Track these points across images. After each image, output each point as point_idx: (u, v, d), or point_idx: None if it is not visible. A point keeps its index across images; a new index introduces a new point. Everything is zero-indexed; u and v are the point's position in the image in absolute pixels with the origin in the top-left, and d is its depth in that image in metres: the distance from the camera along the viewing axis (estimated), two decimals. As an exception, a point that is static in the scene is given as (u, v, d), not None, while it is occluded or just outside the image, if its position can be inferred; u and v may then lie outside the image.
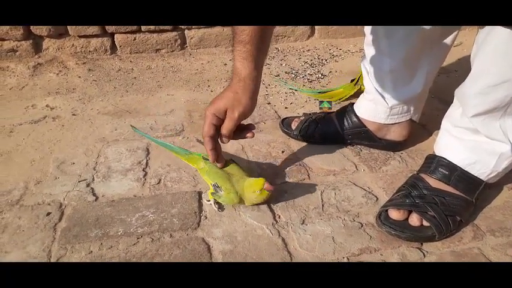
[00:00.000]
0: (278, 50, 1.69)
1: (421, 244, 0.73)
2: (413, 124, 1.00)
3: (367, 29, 0.95)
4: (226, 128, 0.76)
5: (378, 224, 0.76)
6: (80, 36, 1.58)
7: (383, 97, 0.95)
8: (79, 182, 0.89)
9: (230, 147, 0.99)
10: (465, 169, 0.77)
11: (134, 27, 1.60)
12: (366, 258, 0.70)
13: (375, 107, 0.97)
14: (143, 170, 0.93)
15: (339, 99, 1.26)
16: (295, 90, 1.34)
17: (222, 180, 0.79)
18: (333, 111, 1.06)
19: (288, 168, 0.94)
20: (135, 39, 1.62)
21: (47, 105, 1.24)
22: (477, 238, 0.74)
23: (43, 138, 1.07)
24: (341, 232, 0.75)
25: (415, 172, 0.84)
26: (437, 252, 0.72)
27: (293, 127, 1.04)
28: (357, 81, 1.23)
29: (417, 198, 0.76)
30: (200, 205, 0.82)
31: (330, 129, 1.01)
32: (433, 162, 0.80)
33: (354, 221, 0.78)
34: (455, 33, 0.88)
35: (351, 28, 1.77)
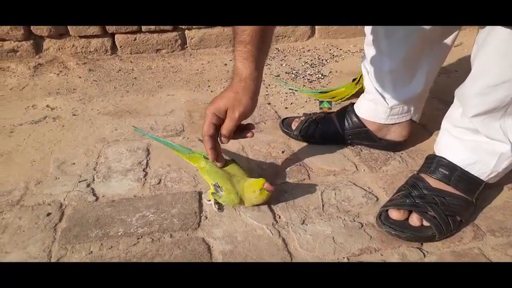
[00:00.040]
0: (278, 50, 1.69)
1: (421, 244, 0.73)
2: (413, 124, 1.00)
3: (367, 29, 0.95)
4: (226, 128, 0.76)
5: (378, 224, 0.76)
6: (81, 37, 1.58)
7: (383, 97, 0.95)
8: (79, 182, 0.89)
9: (230, 147, 0.99)
10: (465, 169, 0.77)
11: (134, 28, 1.60)
12: (366, 258, 0.70)
13: (375, 107, 0.97)
14: (143, 170, 0.93)
15: (341, 99, 1.26)
16: (296, 90, 1.34)
17: (223, 181, 0.79)
18: (333, 112, 1.06)
19: (288, 169, 0.94)
20: (135, 39, 1.62)
21: (47, 106, 1.25)
22: (477, 238, 0.74)
23: (43, 138, 1.07)
24: (341, 232, 0.75)
25: (415, 172, 0.84)
26: (437, 252, 0.72)
27: (293, 127, 1.04)
28: (358, 80, 1.23)
29: (417, 198, 0.76)
30: (200, 205, 0.82)
31: (330, 130, 1.01)
32: (433, 163, 0.80)
33: (354, 221, 0.78)
34: (456, 33, 0.88)
35: (351, 28, 1.77)
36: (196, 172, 0.92)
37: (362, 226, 0.77)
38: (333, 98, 1.28)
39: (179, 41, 1.66)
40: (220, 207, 0.81)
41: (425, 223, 0.73)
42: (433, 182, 0.78)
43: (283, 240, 0.74)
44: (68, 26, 1.55)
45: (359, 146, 1.01)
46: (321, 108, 1.18)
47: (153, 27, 1.61)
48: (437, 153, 0.82)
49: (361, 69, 1.03)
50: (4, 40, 1.52)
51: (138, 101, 1.28)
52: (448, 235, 0.74)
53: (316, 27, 1.77)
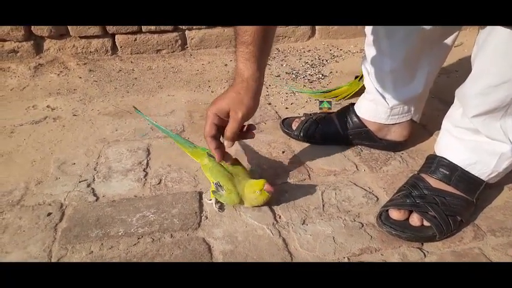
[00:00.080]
0: (279, 51, 1.69)
1: (422, 244, 0.73)
2: (413, 124, 1.00)
3: (368, 29, 0.95)
4: (230, 130, 0.76)
5: (378, 224, 0.76)
6: (81, 37, 1.58)
7: (383, 97, 0.95)
8: (80, 182, 0.89)
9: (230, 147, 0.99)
10: (466, 169, 0.77)
11: (135, 28, 1.60)
12: (367, 258, 0.70)
13: (375, 107, 0.97)
14: (144, 171, 0.93)
15: (345, 97, 1.26)
16: (299, 92, 1.34)
17: (225, 180, 0.79)
18: (333, 112, 1.06)
19: (288, 169, 0.94)
20: (135, 39, 1.62)
21: (47, 106, 1.25)
22: (478, 238, 0.74)
23: (44, 138, 1.07)
24: (342, 232, 0.75)
25: (416, 172, 0.84)
26: (437, 252, 0.71)
27: (294, 127, 1.04)
28: (361, 77, 1.23)
29: (418, 198, 0.76)
30: (201, 205, 0.82)
31: (330, 130, 1.01)
32: (434, 163, 0.80)
33: (355, 221, 0.78)
34: (456, 33, 0.88)
35: (352, 28, 1.77)
36: (196, 172, 0.92)
37: (362, 226, 0.77)
38: (337, 96, 1.28)
39: (179, 42, 1.66)
40: (221, 207, 0.81)
41: (426, 223, 0.73)
42: (434, 182, 0.78)
43: (284, 240, 0.74)
44: (69, 27, 1.55)
45: (359, 146, 1.01)
46: (320, 109, 1.18)
47: (153, 28, 1.61)
48: (437, 153, 0.82)
49: (362, 69, 1.03)
50: (4, 40, 1.52)
51: (139, 101, 1.28)
52: (448, 235, 0.74)
53: (317, 27, 1.77)
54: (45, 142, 1.05)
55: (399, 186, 0.82)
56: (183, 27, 1.65)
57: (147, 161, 0.97)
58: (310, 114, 1.06)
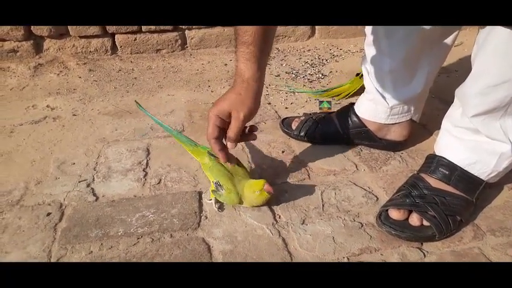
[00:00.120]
0: (279, 50, 1.69)
1: (421, 244, 0.73)
2: (413, 124, 1.00)
3: (368, 29, 0.95)
4: (233, 131, 0.75)
5: (378, 223, 0.76)
6: (81, 37, 1.58)
7: (383, 97, 0.95)
8: (79, 182, 0.89)
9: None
10: (465, 169, 0.77)
11: (135, 28, 1.60)
12: (366, 258, 0.70)
13: (375, 107, 0.97)
14: (143, 170, 0.93)
15: (347, 95, 1.26)
16: (299, 92, 1.34)
17: (224, 179, 0.79)
18: (333, 111, 1.06)
19: (288, 168, 0.94)
20: (135, 39, 1.62)
21: (47, 106, 1.25)
22: (477, 238, 0.74)
23: (43, 138, 1.07)
24: (341, 232, 0.75)
25: (416, 172, 0.84)
26: (437, 252, 0.71)
27: (293, 127, 1.04)
28: (362, 74, 1.23)
29: (417, 198, 0.76)
30: (200, 205, 0.82)
31: (330, 129, 1.01)
32: (434, 162, 0.80)
33: (354, 221, 0.78)
34: (456, 33, 0.88)
35: (352, 28, 1.77)
36: (196, 172, 0.92)
37: (362, 226, 0.77)
38: (339, 95, 1.28)
39: (179, 41, 1.66)
40: (221, 206, 0.81)
41: (425, 223, 0.73)
42: (433, 182, 0.78)
43: (283, 240, 0.74)
44: (68, 26, 1.55)
45: (359, 146, 1.01)
46: (320, 108, 1.18)
47: (153, 27, 1.61)
48: (437, 153, 0.82)
49: (361, 69, 1.03)
50: (4, 40, 1.52)
51: (138, 101, 1.28)
52: (448, 235, 0.74)
53: (317, 27, 1.77)
54: (45, 142, 1.05)
55: (399, 186, 0.82)
56: (183, 26, 1.65)
57: (147, 160, 0.97)
58: (310, 114, 1.06)
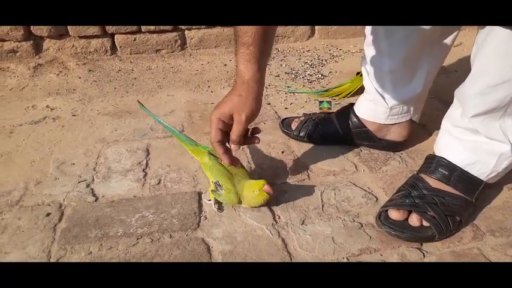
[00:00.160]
0: (278, 51, 1.69)
1: (421, 244, 0.73)
2: (413, 124, 1.00)
3: (367, 29, 0.95)
4: (235, 133, 0.75)
5: (377, 224, 0.76)
6: (80, 37, 1.58)
7: (383, 97, 0.95)
8: (79, 182, 0.89)
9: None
10: (465, 169, 0.77)
11: (134, 28, 1.60)
12: (366, 258, 0.70)
13: (374, 107, 0.97)
14: (143, 171, 0.93)
15: (348, 94, 1.26)
16: (300, 92, 1.34)
17: (224, 179, 0.79)
18: (333, 112, 1.06)
19: (287, 169, 0.94)
20: (135, 39, 1.62)
21: (47, 106, 1.25)
22: (477, 238, 0.74)
23: (43, 138, 1.07)
24: (341, 232, 0.75)
25: (415, 172, 0.84)
26: (437, 252, 0.71)
27: (293, 127, 1.04)
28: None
29: (417, 199, 0.76)
30: (200, 205, 0.82)
31: (329, 130, 1.01)
32: (433, 163, 0.80)
33: (354, 221, 0.78)
34: (455, 33, 0.88)
35: (351, 28, 1.77)
36: (195, 173, 0.92)
37: (362, 226, 0.77)
38: (339, 94, 1.28)
39: (179, 41, 1.66)
40: (220, 207, 0.81)
41: (425, 223, 0.73)
42: (433, 182, 0.78)
43: (283, 240, 0.74)
44: (68, 27, 1.55)
45: (359, 146, 1.01)
46: (320, 109, 1.19)
47: (152, 28, 1.61)
48: (437, 153, 0.82)
49: (361, 69, 1.03)
50: (4, 40, 1.52)
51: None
52: (447, 235, 0.74)
53: (316, 27, 1.77)
54: (45, 142, 1.05)
55: (398, 187, 0.82)
56: (183, 27, 1.65)
57: (147, 161, 0.97)
58: (310, 114, 1.06)
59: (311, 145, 1.02)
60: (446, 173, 0.77)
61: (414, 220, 0.74)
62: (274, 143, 1.04)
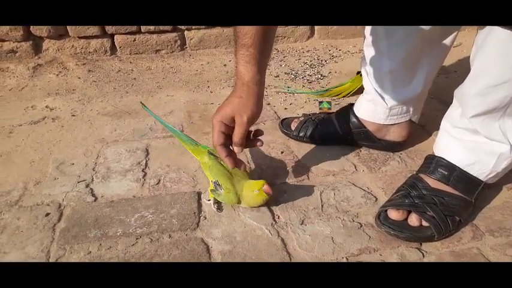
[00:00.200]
0: (278, 51, 1.69)
1: (420, 244, 0.73)
2: (412, 125, 1.00)
3: (367, 29, 0.95)
4: (237, 135, 0.75)
5: (377, 224, 0.76)
6: (80, 37, 1.58)
7: (382, 98, 0.95)
8: (78, 182, 0.89)
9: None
10: (464, 169, 0.77)
11: (134, 28, 1.60)
12: (365, 258, 0.70)
13: (374, 108, 0.97)
14: (142, 171, 0.93)
15: (349, 93, 1.27)
16: (301, 93, 1.33)
17: (224, 179, 0.79)
18: (332, 112, 1.07)
19: (287, 169, 0.94)
20: (134, 40, 1.62)
21: (46, 106, 1.25)
22: (476, 238, 0.74)
23: (42, 139, 1.07)
24: (340, 232, 0.75)
25: (415, 172, 0.84)
26: (436, 252, 0.71)
27: (292, 128, 1.04)
28: None
29: (416, 199, 0.76)
30: (199, 205, 0.82)
31: (329, 130, 1.01)
32: (433, 163, 0.80)
33: (353, 221, 0.78)
34: (455, 33, 0.88)
35: (351, 29, 1.78)
36: (195, 173, 0.92)
37: (361, 226, 0.77)
38: (340, 94, 1.28)
39: (178, 42, 1.66)
40: (219, 207, 0.81)
41: (424, 223, 0.73)
42: (432, 182, 0.78)
43: (282, 240, 0.74)
44: (68, 27, 1.55)
45: (358, 147, 1.01)
46: (320, 109, 1.19)
47: (152, 28, 1.61)
48: (436, 154, 0.82)
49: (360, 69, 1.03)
50: (3, 41, 1.52)
51: (138, 101, 1.28)
52: (447, 235, 0.74)
53: (316, 27, 1.77)
54: (44, 142, 1.05)
55: (398, 187, 0.82)
56: (182, 27, 1.65)
57: (146, 161, 0.97)
58: (309, 115, 1.06)
59: (310, 145, 1.02)
60: (446, 173, 0.77)
61: (413, 220, 0.74)
62: (274, 143, 1.04)
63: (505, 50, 0.65)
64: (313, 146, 1.02)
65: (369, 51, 0.95)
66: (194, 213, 0.80)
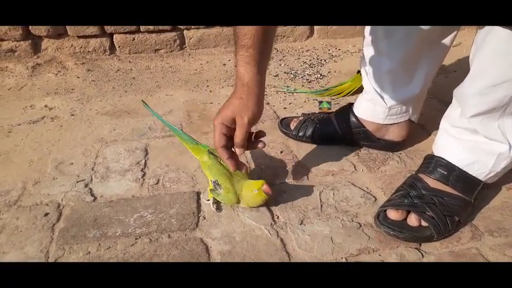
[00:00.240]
0: (277, 50, 1.69)
1: (420, 244, 0.73)
2: (412, 124, 1.00)
3: (367, 29, 0.95)
4: (239, 137, 0.75)
5: (376, 224, 0.76)
6: (79, 37, 1.58)
7: (382, 97, 0.95)
8: (77, 182, 0.89)
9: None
10: (464, 169, 0.77)
11: (133, 28, 1.60)
12: (365, 258, 0.70)
13: (373, 107, 0.97)
14: (142, 171, 0.93)
15: (349, 93, 1.27)
16: (301, 92, 1.33)
17: (223, 179, 0.79)
18: (332, 112, 1.06)
19: (286, 169, 0.94)
20: (134, 39, 1.62)
21: (45, 106, 1.24)
22: (475, 238, 0.74)
23: (41, 138, 1.06)
24: (339, 232, 0.75)
25: (414, 172, 0.84)
26: (435, 252, 0.71)
27: (292, 127, 1.04)
28: None
29: (416, 199, 0.76)
30: (198, 205, 0.82)
31: (328, 130, 1.01)
32: (432, 163, 0.80)
33: (353, 221, 0.78)
34: (454, 33, 0.88)
35: (350, 28, 1.77)
36: (194, 172, 0.92)
37: (360, 226, 0.77)
38: (340, 93, 1.28)
39: (178, 41, 1.66)
40: (218, 207, 0.81)
41: (424, 223, 0.73)
42: (432, 182, 0.78)
43: (282, 240, 0.74)
44: (67, 26, 1.55)
45: (357, 146, 1.01)
46: (320, 109, 1.19)
47: (151, 27, 1.61)
48: (435, 153, 0.82)
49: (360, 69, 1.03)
50: (2, 40, 1.52)
51: (137, 101, 1.28)
52: (446, 235, 0.74)
53: (315, 27, 1.77)
54: (43, 142, 1.05)
55: (397, 187, 0.82)
56: (182, 26, 1.65)
57: (145, 161, 0.97)
58: (309, 114, 1.06)
59: (310, 145, 1.02)
60: (445, 173, 0.77)
61: (413, 220, 0.74)
62: (273, 143, 1.04)
63: (505, 50, 0.65)
64: (312, 145, 1.02)
65: (369, 51, 0.95)
66: (193, 213, 0.80)
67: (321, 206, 0.82)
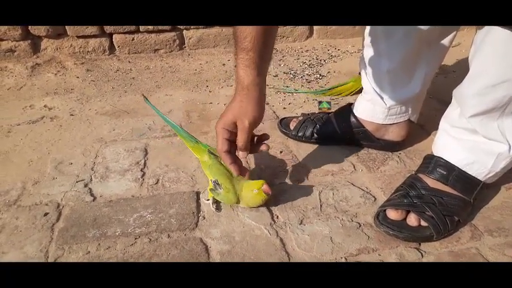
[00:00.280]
0: (277, 51, 1.69)
1: (419, 244, 0.73)
2: (411, 124, 1.00)
3: (366, 29, 0.95)
4: (241, 141, 0.75)
5: (376, 224, 0.76)
6: (79, 37, 1.58)
7: (381, 97, 0.95)
8: (77, 182, 0.89)
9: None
10: (463, 169, 0.77)
11: (132, 28, 1.60)
12: (364, 258, 0.70)
13: (373, 107, 0.97)
14: (141, 170, 0.93)
15: (351, 92, 1.26)
16: (301, 93, 1.33)
17: (223, 179, 0.79)
18: (331, 112, 1.06)
19: (286, 169, 0.94)
20: (133, 39, 1.62)
21: (45, 106, 1.24)
22: (475, 238, 0.74)
23: (41, 138, 1.06)
24: (339, 232, 0.75)
25: (413, 172, 0.84)
26: (435, 252, 0.72)
27: (291, 127, 1.04)
28: None
29: (415, 198, 0.76)
30: (198, 205, 0.82)
31: (328, 130, 1.01)
32: (431, 163, 0.80)
33: (352, 221, 0.78)
34: (454, 33, 0.88)
35: (350, 28, 1.78)
36: (194, 172, 0.92)
37: (360, 226, 0.77)
38: (341, 93, 1.28)
39: (177, 41, 1.66)
40: (218, 207, 0.81)
41: (423, 223, 0.73)
42: (431, 182, 0.78)
43: (281, 240, 0.74)
44: (66, 26, 1.55)
45: (357, 146, 1.01)
46: (320, 109, 1.19)
47: (151, 27, 1.61)
48: (435, 153, 0.82)
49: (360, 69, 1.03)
50: (2, 40, 1.52)
51: (136, 101, 1.28)
52: (445, 235, 0.74)
53: (315, 27, 1.77)
54: (42, 142, 1.05)
55: (397, 186, 0.82)
56: (181, 26, 1.65)
57: (145, 161, 0.97)
58: (308, 114, 1.06)
59: (309, 145, 1.02)
60: (445, 173, 0.77)
61: (412, 220, 0.74)
62: (273, 143, 1.03)
63: (504, 50, 0.65)
64: (312, 145, 1.02)
65: (368, 51, 0.95)
66: (193, 213, 0.80)
67: (321, 205, 0.82)
